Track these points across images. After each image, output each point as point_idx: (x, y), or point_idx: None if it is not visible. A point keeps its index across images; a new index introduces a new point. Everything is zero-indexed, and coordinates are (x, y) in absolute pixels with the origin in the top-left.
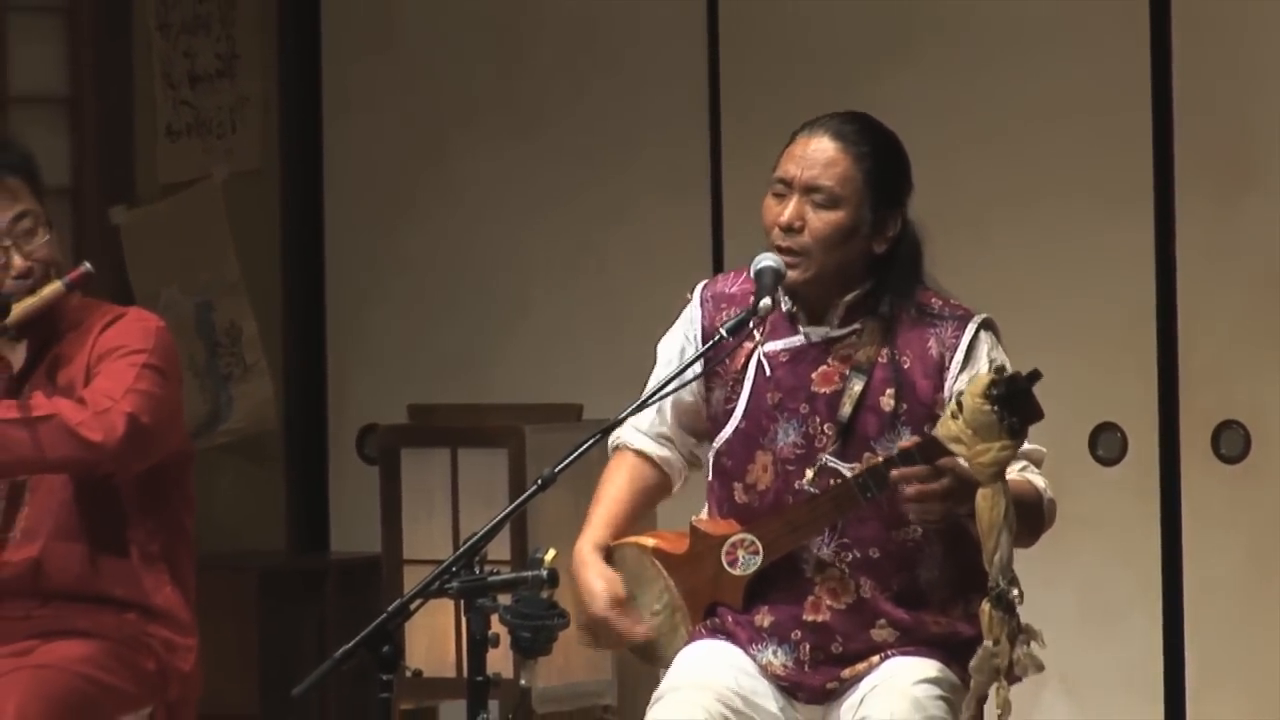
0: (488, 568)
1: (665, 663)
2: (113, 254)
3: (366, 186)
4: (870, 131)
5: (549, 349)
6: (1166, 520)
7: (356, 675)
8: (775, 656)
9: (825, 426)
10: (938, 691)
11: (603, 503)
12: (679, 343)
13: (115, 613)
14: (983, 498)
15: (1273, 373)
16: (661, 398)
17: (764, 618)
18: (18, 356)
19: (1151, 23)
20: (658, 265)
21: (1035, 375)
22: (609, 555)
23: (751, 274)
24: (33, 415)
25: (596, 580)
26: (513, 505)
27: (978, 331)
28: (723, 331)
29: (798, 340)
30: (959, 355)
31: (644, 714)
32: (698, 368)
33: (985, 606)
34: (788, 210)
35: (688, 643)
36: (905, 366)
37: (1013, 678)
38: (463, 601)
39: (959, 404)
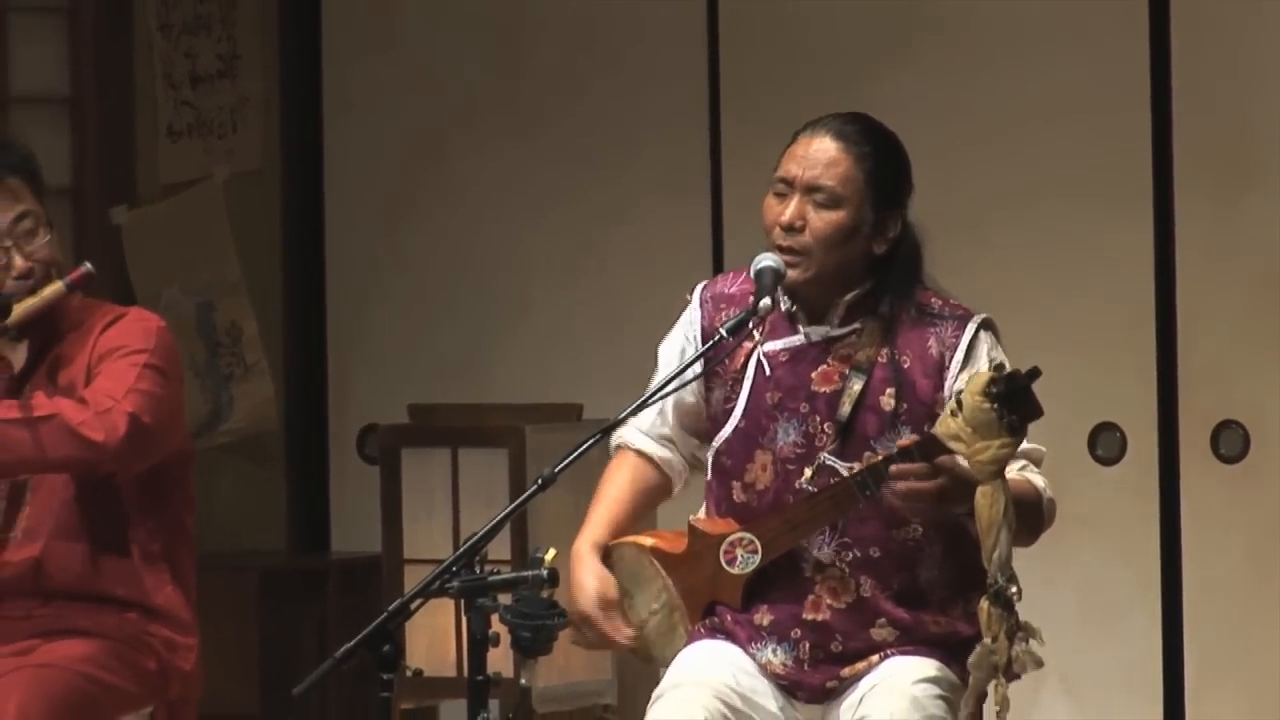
0: (488, 567)
1: (664, 662)
2: (114, 254)
3: (367, 187)
4: (872, 132)
5: (549, 349)
6: (1166, 520)
7: (357, 675)
8: (775, 655)
9: (825, 426)
10: (937, 691)
11: (603, 502)
12: (679, 344)
13: (116, 612)
14: (982, 495)
15: (1272, 373)
16: (661, 398)
17: (763, 616)
18: (19, 357)
19: (1151, 23)
20: (658, 265)
21: (1035, 373)
22: (607, 554)
23: (751, 274)
24: (34, 415)
25: (588, 578)
26: (513, 505)
27: (977, 331)
28: (722, 331)
29: (797, 340)
30: (959, 355)
31: (644, 713)
32: (698, 368)
33: (984, 604)
34: (789, 210)
35: (687, 642)
36: (905, 366)
37: (1011, 675)
38: (463, 601)
39: (959, 402)
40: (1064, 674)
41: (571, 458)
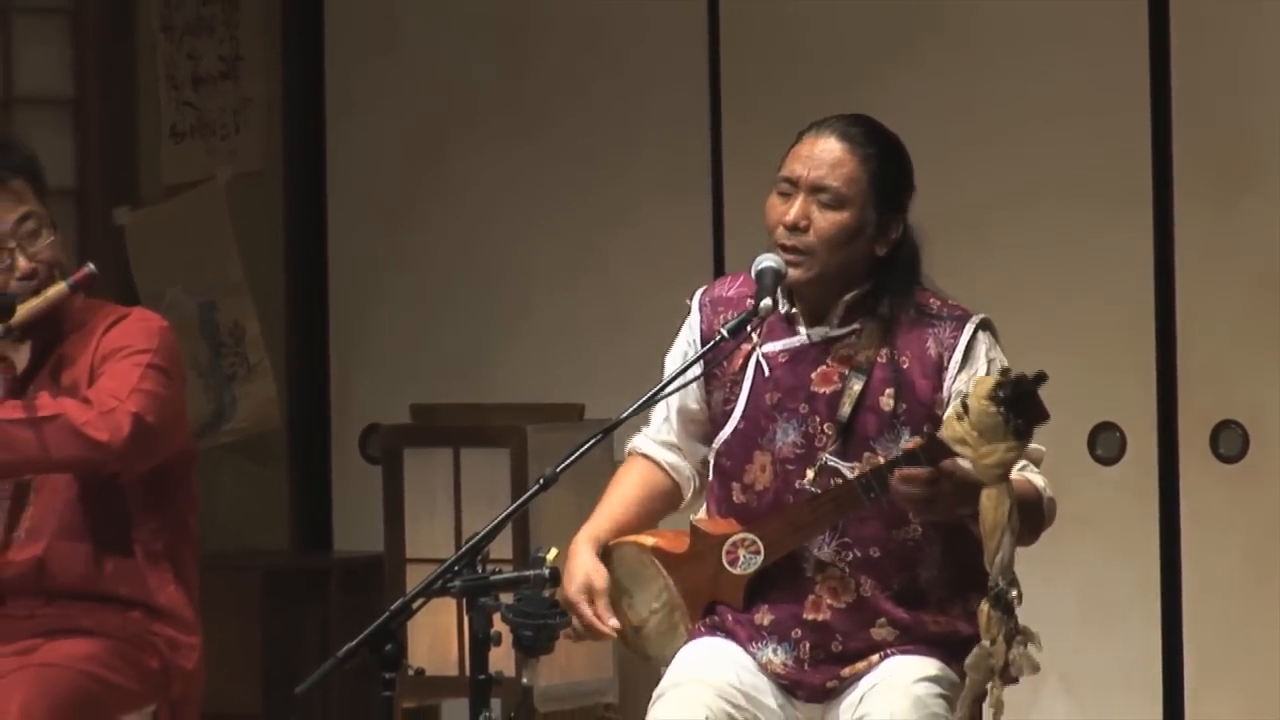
0: (490, 567)
1: (664, 661)
2: (117, 255)
3: (369, 187)
4: (876, 134)
5: (551, 349)
6: (1165, 520)
7: (359, 674)
8: (775, 655)
9: (825, 426)
10: (937, 690)
11: (607, 501)
12: (682, 351)
13: (119, 611)
14: (987, 498)
15: (1271, 373)
16: (661, 398)
17: (764, 616)
18: (22, 357)
19: (1150, 25)
20: (659, 266)
21: (1041, 377)
22: (607, 553)
23: (753, 274)
24: (38, 415)
25: (577, 567)
26: (515, 505)
27: (976, 331)
28: (723, 332)
29: (797, 341)
30: (957, 355)
31: (645, 712)
32: (698, 369)
33: (984, 606)
34: (793, 209)
35: (687, 641)
36: (904, 366)
37: (1008, 678)
38: (465, 600)
39: (964, 405)
40: (1064, 673)
41: (573, 458)
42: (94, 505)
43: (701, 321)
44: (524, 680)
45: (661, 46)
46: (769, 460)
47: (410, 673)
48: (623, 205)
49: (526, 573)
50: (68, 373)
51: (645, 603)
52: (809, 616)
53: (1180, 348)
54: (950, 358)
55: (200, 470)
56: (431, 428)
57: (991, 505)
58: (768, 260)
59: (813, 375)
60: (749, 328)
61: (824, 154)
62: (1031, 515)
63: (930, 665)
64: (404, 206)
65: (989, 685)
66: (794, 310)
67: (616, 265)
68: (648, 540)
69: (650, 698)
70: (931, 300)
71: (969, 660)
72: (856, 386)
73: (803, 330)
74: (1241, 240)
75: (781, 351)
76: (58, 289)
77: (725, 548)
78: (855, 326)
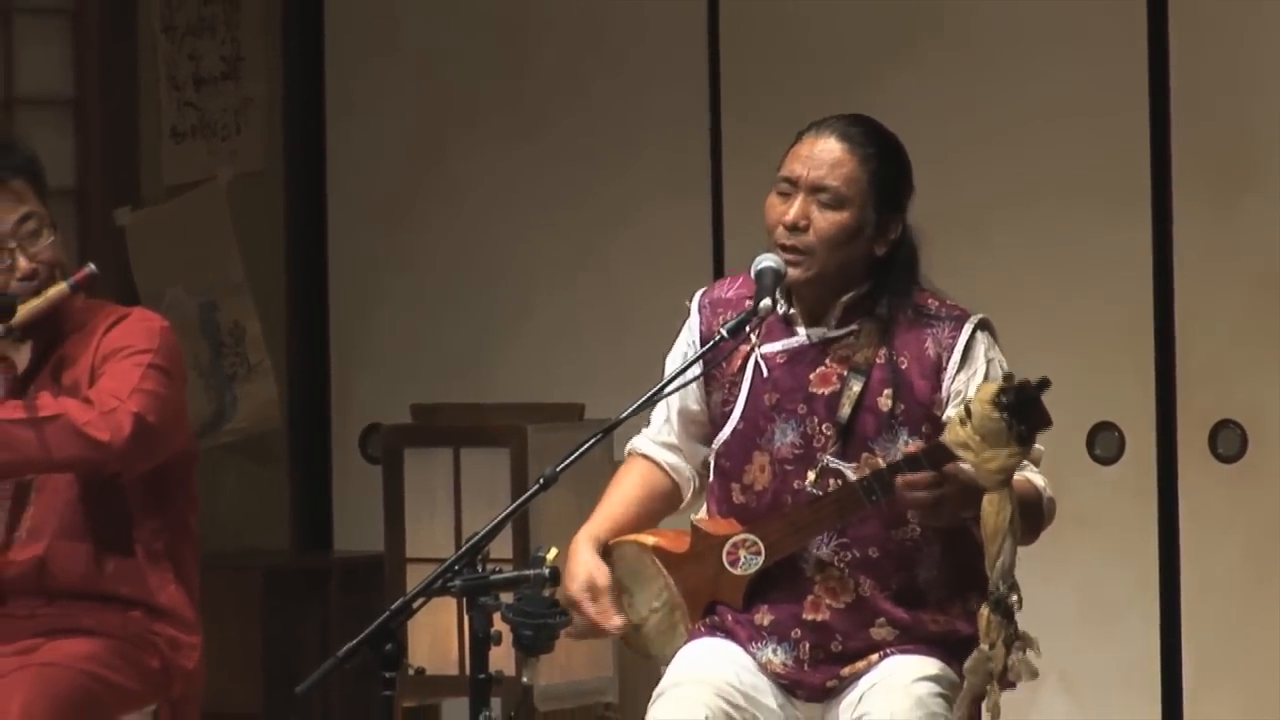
0: (490, 566)
1: (664, 660)
2: (117, 255)
3: (370, 187)
4: (875, 134)
5: (551, 349)
6: (1164, 519)
7: (359, 673)
8: (775, 655)
9: (824, 427)
10: (937, 689)
11: (607, 501)
12: (681, 351)
13: (120, 611)
14: (989, 503)
15: (1270, 373)
16: (661, 399)
17: (764, 616)
18: (22, 357)
19: (1149, 26)
20: (659, 266)
21: (1045, 384)
22: (608, 552)
23: (752, 274)
24: (39, 415)
25: (578, 565)
26: (515, 504)
27: (974, 332)
28: (722, 332)
29: (795, 341)
30: (956, 355)
31: (645, 711)
32: (698, 369)
33: (984, 611)
34: (793, 209)
35: (687, 641)
36: (903, 367)
37: (1006, 683)
38: (465, 600)
39: (967, 410)
40: (1062, 673)
41: (573, 457)
42: (95, 505)
43: (701, 323)
44: (524, 679)
45: (661, 47)
46: (768, 461)
47: (410, 672)
48: (623, 205)
49: (526, 572)
50: (68, 373)
51: (645, 602)
52: (808, 617)
53: (1179, 348)
54: (949, 358)
55: (201, 470)
56: (432, 428)
57: (993, 510)
58: (767, 260)
59: (811, 376)
60: (748, 328)
61: (824, 154)
62: (1032, 515)
63: (930, 665)
64: (404, 207)
65: (987, 689)
66: (792, 311)
67: (617, 265)
68: (648, 539)
69: (650, 697)
70: (930, 300)
71: (968, 664)
72: (856, 387)
73: (801, 331)
74: (1241, 240)
75: (780, 352)
76: (58, 289)
77: (726, 548)
78: (854, 327)
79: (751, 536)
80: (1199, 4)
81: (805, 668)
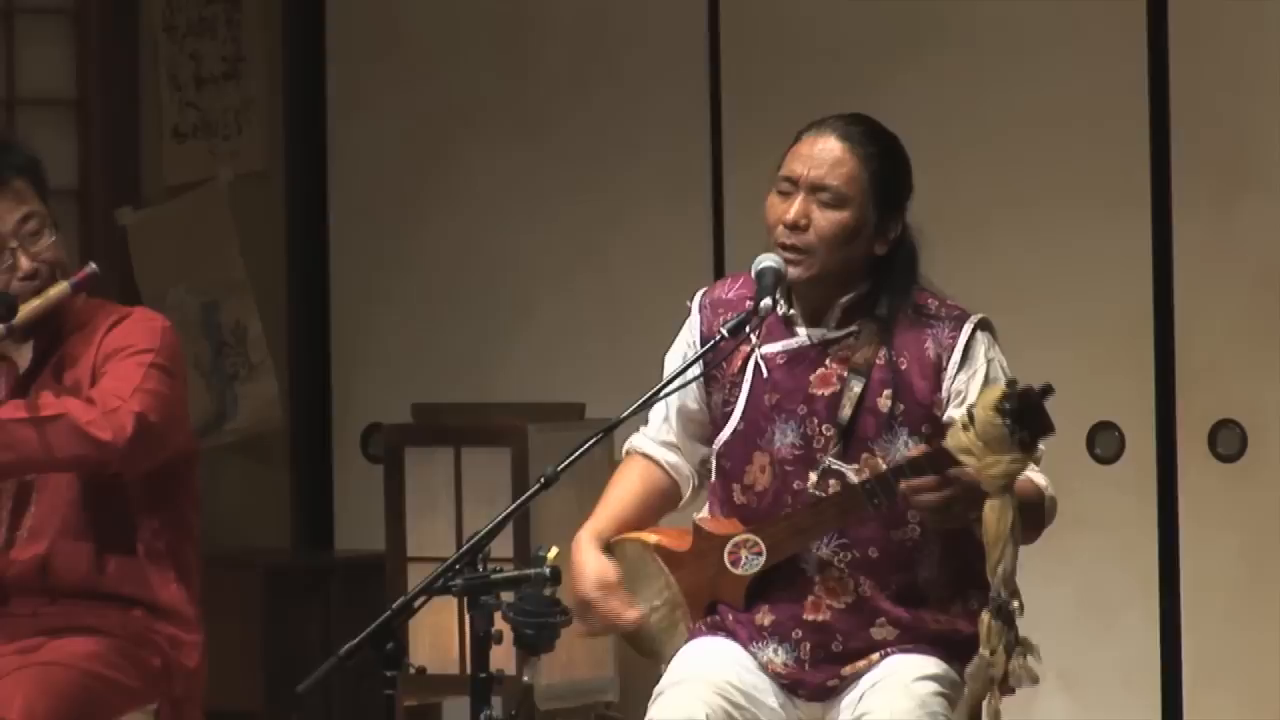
0: (491, 565)
1: (665, 659)
2: (119, 255)
3: (371, 188)
4: (875, 133)
5: (552, 349)
6: (1164, 519)
7: (361, 672)
8: (775, 655)
9: (824, 428)
10: (937, 688)
11: (608, 498)
12: (681, 352)
13: (121, 610)
14: (990, 509)
15: (1269, 372)
16: (660, 399)
17: (764, 616)
18: (24, 357)
19: (1149, 29)
20: (660, 267)
21: (1048, 390)
22: (610, 549)
23: (753, 274)
24: (41, 415)
25: (587, 563)
26: (515, 504)
27: (974, 332)
28: (723, 332)
29: (795, 342)
30: (956, 355)
31: (646, 710)
32: (698, 369)
33: (985, 616)
34: (794, 208)
35: (687, 640)
36: (902, 367)
37: (1006, 689)
38: (466, 599)
39: (970, 416)
40: (1062, 672)
41: (573, 457)
42: (96, 504)
43: (701, 323)
44: (525, 678)
45: (662, 48)
46: (768, 461)
47: (411, 671)
48: (624, 206)
49: (527, 571)
50: (70, 372)
51: (647, 600)
52: (809, 617)
53: (1179, 347)
54: (949, 358)
55: (202, 469)
56: (433, 427)
57: (995, 516)
58: (767, 260)
59: (811, 377)
60: (748, 328)
61: (824, 153)
62: (1033, 514)
63: (930, 664)
64: (405, 207)
65: (987, 695)
66: (792, 312)
67: (617, 266)
68: (650, 538)
69: (650, 696)
70: (930, 301)
71: (969, 670)
72: (856, 388)
73: (801, 331)
74: (1239, 241)
75: (780, 353)
76: (59, 289)
77: (728, 548)
78: (853, 328)
79: (753, 537)
80: (1199, 6)
81: (806, 667)
